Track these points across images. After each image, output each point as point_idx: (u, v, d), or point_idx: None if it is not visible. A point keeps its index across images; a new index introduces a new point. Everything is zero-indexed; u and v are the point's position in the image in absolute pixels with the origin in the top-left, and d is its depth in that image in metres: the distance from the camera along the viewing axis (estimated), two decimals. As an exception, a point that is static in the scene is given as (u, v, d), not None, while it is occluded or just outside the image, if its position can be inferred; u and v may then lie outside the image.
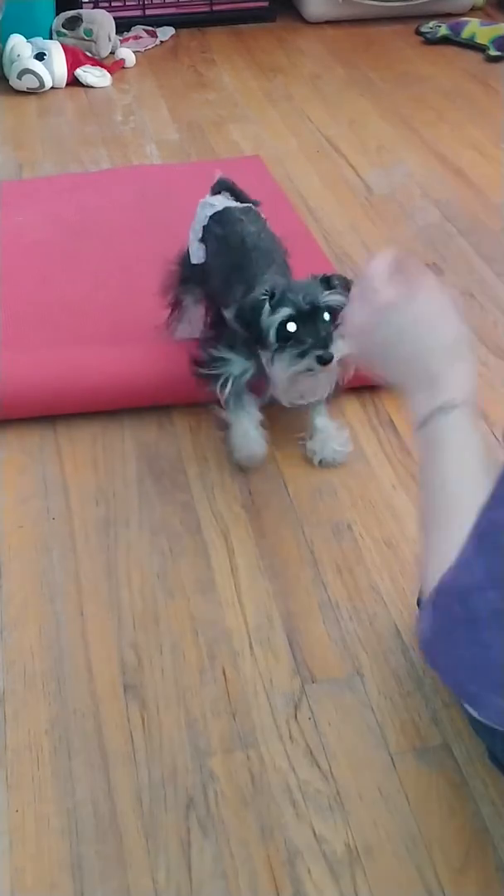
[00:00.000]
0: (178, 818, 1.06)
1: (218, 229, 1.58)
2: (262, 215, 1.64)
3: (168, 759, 1.12)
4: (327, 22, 3.21)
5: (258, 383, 1.50)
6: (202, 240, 1.60)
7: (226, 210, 1.60)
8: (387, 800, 1.08)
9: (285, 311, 1.39)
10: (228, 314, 1.49)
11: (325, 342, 1.38)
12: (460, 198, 2.22)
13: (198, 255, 1.61)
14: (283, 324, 1.39)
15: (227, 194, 1.66)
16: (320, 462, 1.52)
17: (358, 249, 2.04)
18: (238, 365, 1.48)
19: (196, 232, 1.61)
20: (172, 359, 1.59)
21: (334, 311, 1.40)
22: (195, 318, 1.67)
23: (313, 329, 1.39)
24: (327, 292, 1.40)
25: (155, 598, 1.31)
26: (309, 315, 1.39)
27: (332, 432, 1.53)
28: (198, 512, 1.44)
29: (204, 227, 1.60)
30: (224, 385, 1.48)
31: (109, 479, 1.49)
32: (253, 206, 1.64)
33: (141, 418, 1.60)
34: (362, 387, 1.62)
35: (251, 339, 1.43)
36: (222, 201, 1.63)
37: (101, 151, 2.46)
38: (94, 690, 1.19)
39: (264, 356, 1.44)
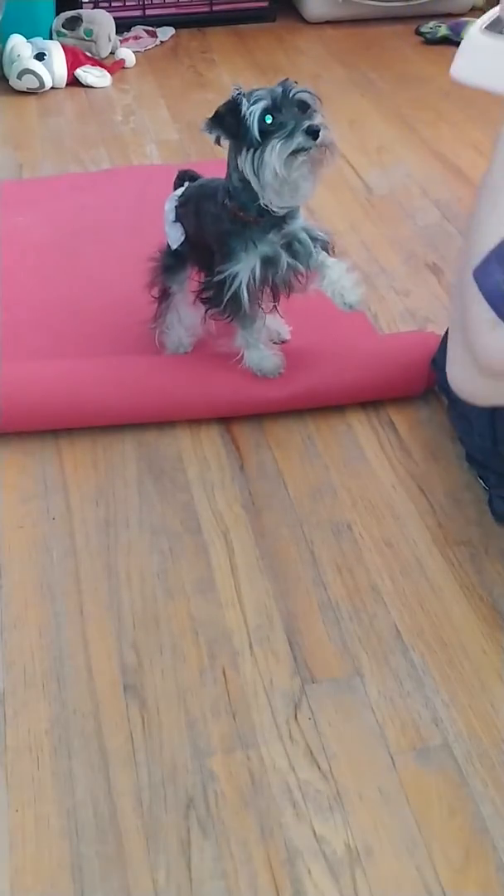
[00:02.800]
0: (178, 818, 1.06)
1: (189, 204, 1.62)
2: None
3: (168, 759, 1.12)
4: (327, 22, 3.21)
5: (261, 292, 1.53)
6: (177, 220, 1.63)
7: (187, 188, 1.65)
8: (387, 800, 1.08)
9: (262, 103, 1.41)
10: (214, 243, 1.54)
11: (308, 120, 1.41)
12: (460, 198, 2.22)
13: (176, 237, 1.64)
14: (262, 116, 1.41)
15: (188, 183, 1.69)
16: (342, 304, 1.51)
17: (358, 249, 2.04)
18: (244, 267, 1.50)
19: (169, 219, 1.64)
20: (176, 372, 1.62)
21: (305, 104, 1.43)
22: (184, 310, 1.68)
23: (292, 114, 1.41)
24: (295, 87, 1.42)
25: (155, 598, 1.31)
26: (284, 104, 1.41)
27: (339, 272, 1.53)
28: (198, 512, 1.44)
29: (176, 209, 1.63)
30: (237, 295, 1.50)
31: (109, 479, 1.49)
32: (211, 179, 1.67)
33: (141, 418, 1.60)
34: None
35: (235, 143, 1.45)
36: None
37: (101, 151, 2.46)
38: (94, 690, 1.19)
39: (253, 160, 1.44)
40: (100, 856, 1.03)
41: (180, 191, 1.66)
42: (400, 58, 3.00)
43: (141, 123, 2.60)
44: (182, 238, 1.63)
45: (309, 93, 1.44)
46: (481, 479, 1.45)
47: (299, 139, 1.41)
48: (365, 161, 2.39)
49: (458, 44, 3.01)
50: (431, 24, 3.11)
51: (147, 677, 1.21)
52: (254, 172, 1.44)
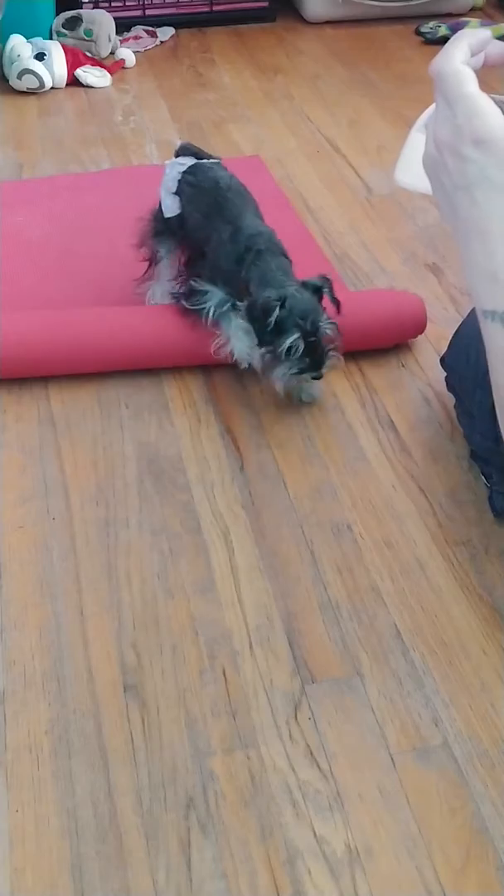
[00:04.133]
0: (178, 818, 1.06)
1: (191, 178, 1.71)
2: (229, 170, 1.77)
3: (168, 759, 1.12)
4: (327, 22, 3.21)
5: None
6: (176, 193, 1.70)
7: (197, 164, 1.73)
8: (387, 800, 1.08)
9: (294, 336, 1.53)
10: (210, 252, 1.65)
11: (320, 363, 1.56)
12: (460, 198, 2.21)
13: (172, 208, 1.71)
14: (290, 345, 1.54)
15: (192, 157, 1.75)
16: (300, 399, 1.64)
17: (358, 249, 2.04)
18: (217, 296, 1.61)
19: (169, 187, 1.71)
20: (165, 321, 1.69)
21: (327, 336, 1.56)
22: (170, 276, 1.77)
23: (313, 350, 1.54)
24: (326, 320, 1.56)
25: (155, 598, 1.31)
26: (310, 338, 1.54)
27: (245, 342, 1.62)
28: (198, 512, 1.44)
29: (178, 181, 1.69)
30: (208, 315, 1.61)
31: (109, 479, 1.49)
32: (220, 161, 1.77)
33: (141, 418, 1.60)
34: (362, 386, 1.64)
35: (257, 332, 1.56)
36: (191, 160, 1.74)
37: (101, 151, 2.46)
38: (94, 690, 1.19)
39: (263, 352, 1.57)
40: (100, 856, 1.03)
41: (185, 164, 1.71)
42: (400, 58, 3.00)
43: (141, 123, 2.60)
44: (178, 211, 1.70)
45: (333, 323, 1.56)
46: (484, 475, 1.46)
47: (304, 377, 1.57)
48: (365, 161, 2.39)
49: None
50: (431, 24, 3.11)
51: (147, 677, 1.21)
52: (266, 362, 1.58)
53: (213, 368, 1.70)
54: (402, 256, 2.02)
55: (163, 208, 1.72)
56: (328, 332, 1.56)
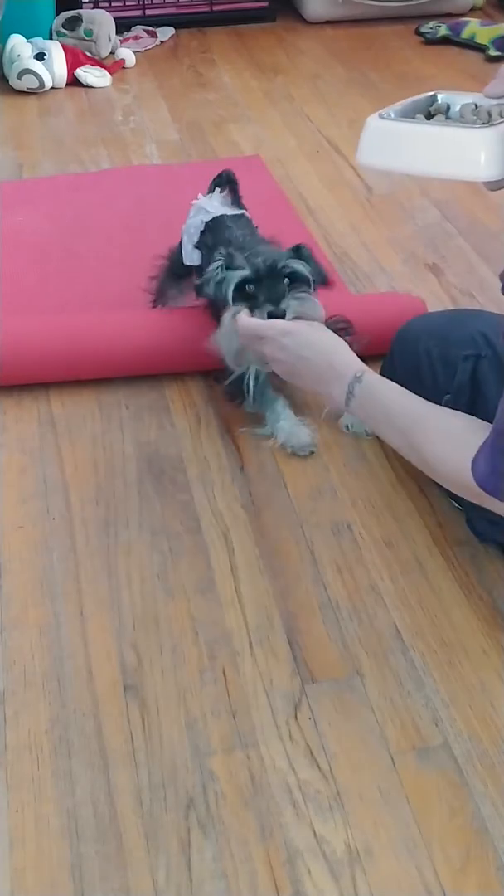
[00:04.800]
0: (178, 818, 1.06)
1: (209, 238, 1.63)
2: (253, 223, 1.69)
3: (168, 759, 1.12)
4: (327, 22, 3.21)
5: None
6: (197, 246, 1.64)
7: (217, 219, 1.64)
8: (387, 800, 1.08)
9: (242, 273, 1.45)
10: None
11: (278, 299, 1.44)
12: (460, 198, 2.22)
13: (192, 257, 1.65)
14: (240, 285, 1.45)
15: (227, 189, 1.70)
16: (294, 452, 1.53)
17: (358, 249, 2.04)
18: (250, 369, 1.53)
19: (192, 235, 1.65)
20: (169, 327, 1.68)
21: (296, 278, 1.46)
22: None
23: (270, 288, 1.45)
24: (291, 259, 1.46)
25: (155, 598, 1.31)
26: (267, 277, 1.45)
27: (290, 423, 1.55)
28: (198, 512, 1.44)
29: (201, 232, 1.63)
30: (248, 392, 1.54)
31: (109, 479, 1.49)
32: (245, 214, 1.69)
33: (141, 419, 1.60)
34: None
35: (216, 308, 1.49)
36: (216, 206, 1.66)
37: (101, 151, 2.46)
38: (94, 690, 1.19)
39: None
40: (100, 856, 1.03)
41: (211, 213, 1.63)
42: (400, 58, 3.00)
43: (141, 123, 2.60)
44: (198, 262, 1.64)
45: (304, 264, 1.46)
46: (452, 499, 1.42)
47: (258, 314, 1.44)
48: (365, 161, 2.39)
49: (458, 44, 3.03)
50: (431, 24, 3.11)
51: (147, 677, 1.21)
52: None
53: (213, 369, 1.70)
54: (402, 256, 2.02)
55: (184, 254, 1.66)
56: (295, 270, 1.45)
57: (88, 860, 1.03)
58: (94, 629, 1.27)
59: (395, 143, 1.13)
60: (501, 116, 1.10)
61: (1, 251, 1.93)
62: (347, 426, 1.57)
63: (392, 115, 1.14)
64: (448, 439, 1.17)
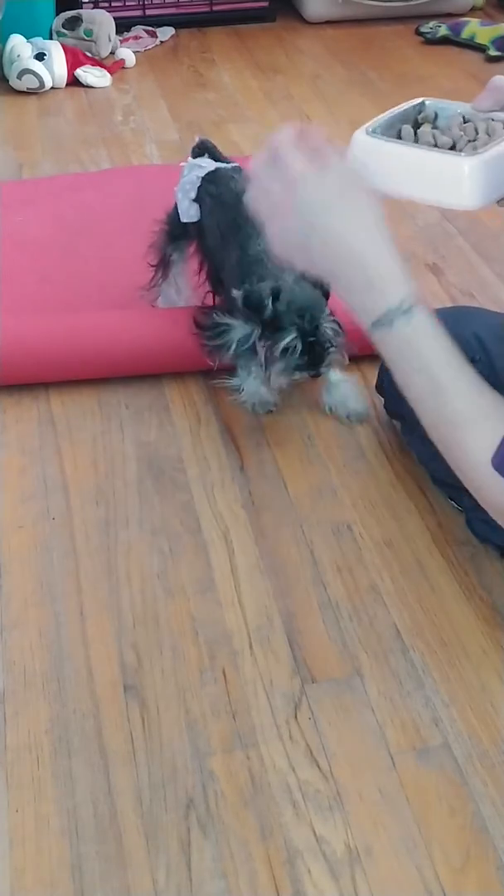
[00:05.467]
0: (178, 818, 1.06)
1: (213, 189, 1.65)
2: None
3: (168, 759, 1.12)
4: (327, 22, 3.20)
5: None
6: (196, 199, 1.66)
7: (218, 169, 1.67)
8: (387, 800, 1.08)
9: (291, 336, 1.48)
10: (225, 279, 1.59)
11: (319, 362, 1.51)
12: (460, 198, 2.21)
13: (189, 213, 1.66)
14: (286, 345, 1.49)
15: (208, 156, 1.71)
16: (347, 417, 1.59)
17: (358, 249, 2.03)
18: (240, 331, 1.55)
19: (187, 192, 1.66)
20: (168, 326, 1.69)
21: (329, 339, 1.51)
22: (182, 281, 1.75)
23: (311, 349, 1.49)
24: (328, 317, 1.50)
25: (155, 598, 1.31)
26: (308, 336, 1.49)
27: (348, 388, 1.61)
28: (198, 512, 1.44)
29: (199, 187, 1.65)
30: (228, 349, 1.56)
31: (109, 479, 1.49)
32: (240, 166, 1.70)
33: (141, 418, 1.60)
34: (362, 386, 1.64)
35: (255, 320, 1.51)
36: (210, 162, 1.69)
37: (101, 151, 2.46)
38: (94, 690, 1.19)
39: (263, 344, 1.52)
40: (100, 856, 1.03)
41: (205, 167, 1.66)
42: (400, 58, 3.00)
43: (141, 123, 2.60)
44: (196, 218, 1.66)
45: (335, 323, 1.51)
46: (452, 500, 1.42)
47: (300, 375, 1.52)
48: (365, 161, 2.39)
49: (458, 44, 3.03)
50: (431, 24, 3.11)
51: (147, 677, 1.21)
52: (264, 359, 1.53)
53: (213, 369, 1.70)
54: (402, 256, 2.01)
55: (180, 212, 1.67)
56: (329, 331, 1.50)
57: (88, 860, 1.03)
58: (94, 629, 1.27)
59: (380, 164, 1.08)
60: (489, 134, 1.07)
61: (1, 251, 1.93)
62: (330, 408, 1.60)
63: (379, 132, 1.11)
64: (477, 421, 0.97)
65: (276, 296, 1.47)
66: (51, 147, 2.48)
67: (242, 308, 1.51)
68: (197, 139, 1.77)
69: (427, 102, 1.18)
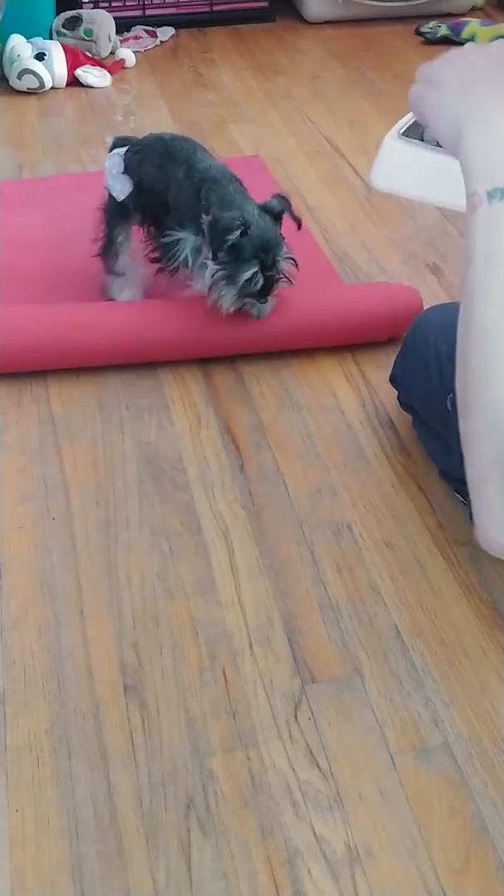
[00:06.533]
0: (178, 818, 1.06)
1: (137, 148, 1.76)
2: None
3: (168, 759, 1.12)
4: (327, 22, 3.21)
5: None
6: (125, 172, 1.74)
7: (143, 140, 1.80)
8: (387, 800, 1.08)
9: (253, 270, 1.59)
10: (171, 198, 1.68)
11: (268, 292, 1.63)
12: (460, 198, 2.21)
13: (124, 189, 1.74)
14: (249, 277, 1.59)
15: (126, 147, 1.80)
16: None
17: (358, 249, 2.04)
18: (190, 241, 1.65)
19: (114, 172, 1.75)
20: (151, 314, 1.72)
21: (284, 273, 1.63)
22: (134, 263, 1.80)
23: (266, 281, 1.61)
24: (285, 254, 1.62)
25: (155, 598, 1.31)
26: (267, 271, 1.60)
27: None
28: (198, 512, 1.44)
29: (125, 161, 1.74)
30: (186, 264, 1.66)
31: (109, 479, 1.49)
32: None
33: (141, 418, 1.60)
34: (362, 386, 1.64)
35: (213, 248, 1.60)
36: (124, 148, 1.79)
37: (101, 151, 2.44)
38: (94, 690, 1.19)
39: (217, 269, 1.61)
40: (100, 856, 1.03)
41: (122, 148, 1.76)
42: (400, 58, 3.00)
43: (141, 123, 2.60)
44: (129, 189, 1.73)
45: (291, 259, 1.63)
46: (459, 494, 1.43)
47: (249, 302, 1.63)
48: (365, 161, 2.39)
49: (458, 44, 3.03)
50: (431, 24, 3.11)
51: (147, 677, 1.21)
52: (211, 280, 1.62)
53: (212, 369, 1.70)
54: (401, 256, 2.02)
55: (114, 194, 1.75)
56: (284, 266, 1.61)
57: (88, 860, 1.03)
58: (94, 629, 1.27)
59: (411, 169, 1.06)
60: None
61: (1, 251, 1.93)
62: (256, 315, 1.69)
63: (408, 135, 1.09)
64: None
65: (245, 228, 1.58)
66: (51, 147, 2.48)
67: (207, 234, 1.59)
68: (109, 140, 1.86)
69: None
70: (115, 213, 1.78)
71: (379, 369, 1.70)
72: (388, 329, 1.75)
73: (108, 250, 1.79)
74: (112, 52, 2.94)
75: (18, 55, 2.73)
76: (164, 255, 1.70)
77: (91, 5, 3.04)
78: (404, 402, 1.57)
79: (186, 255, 1.66)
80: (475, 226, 0.79)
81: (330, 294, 1.82)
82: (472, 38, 3.01)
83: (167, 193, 1.70)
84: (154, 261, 1.73)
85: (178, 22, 3.16)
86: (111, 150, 1.80)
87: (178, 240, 1.66)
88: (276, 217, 1.64)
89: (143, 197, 1.74)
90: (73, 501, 1.45)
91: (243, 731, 1.15)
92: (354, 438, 1.57)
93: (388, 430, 1.58)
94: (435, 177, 1.06)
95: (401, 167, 1.08)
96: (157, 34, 3.10)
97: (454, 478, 1.43)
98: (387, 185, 1.10)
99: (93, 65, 2.83)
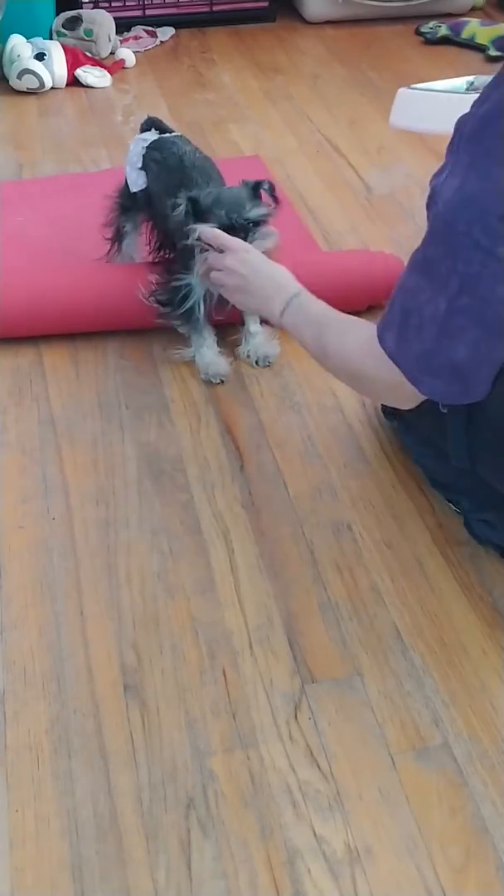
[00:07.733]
0: (178, 818, 1.07)
1: (156, 154, 1.74)
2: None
3: (168, 759, 1.12)
4: (327, 22, 3.21)
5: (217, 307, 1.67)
6: (142, 168, 1.74)
7: (161, 138, 1.77)
8: (387, 800, 1.08)
9: (214, 225, 1.53)
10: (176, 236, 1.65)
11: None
12: (460, 198, 2.21)
13: (137, 182, 1.74)
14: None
15: (156, 131, 1.80)
16: (256, 362, 1.70)
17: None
18: (199, 288, 1.63)
19: (134, 163, 1.75)
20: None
21: (258, 222, 1.57)
22: (135, 252, 1.86)
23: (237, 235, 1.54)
24: (252, 206, 1.56)
25: (155, 598, 1.31)
26: (233, 228, 1.54)
27: (262, 337, 1.71)
28: (198, 512, 1.44)
29: (143, 156, 1.73)
30: (192, 314, 1.65)
31: (109, 479, 1.49)
32: (184, 136, 1.81)
33: (141, 418, 1.60)
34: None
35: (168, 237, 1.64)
36: (154, 135, 1.78)
37: (101, 151, 2.46)
38: (94, 690, 1.19)
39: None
40: (100, 856, 1.03)
41: (149, 139, 1.75)
42: (400, 58, 3.00)
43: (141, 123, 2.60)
44: (142, 185, 1.73)
45: (264, 206, 1.58)
46: (450, 502, 1.42)
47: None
48: (365, 161, 2.39)
49: (458, 44, 3.04)
50: (431, 24, 3.11)
51: (147, 677, 1.21)
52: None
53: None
54: (402, 256, 2.01)
55: (128, 183, 1.75)
56: (256, 219, 1.56)
57: (88, 860, 1.03)
58: (94, 629, 1.27)
59: (420, 109, 1.40)
60: None
61: (1, 251, 1.93)
62: (247, 354, 1.71)
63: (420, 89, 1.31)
64: (347, 332, 1.30)
65: (194, 200, 1.55)
66: (51, 147, 2.48)
67: (184, 217, 1.55)
68: (146, 117, 1.85)
69: (482, 78, 1.31)
70: (126, 200, 1.79)
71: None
72: (368, 296, 1.76)
73: (114, 236, 1.82)
74: (112, 52, 2.95)
75: (18, 55, 2.73)
76: (171, 300, 1.65)
77: (91, 5, 3.04)
78: (389, 411, 1.55)
79: (196, 303, 1.63)
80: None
81: (307, 259, 1.81)
82: (472, 38, 3.01)
83: (168, 220, 1.64)
84: (161, 304, 1.67)
85: (178, 22, 3.16)
86: (141, 132, 1.80)
87: (188, 284, 1.62)
88: (253, 189, 1.59)
89: (152, 208, 1.74)
90: (73, 501, 1.45)
91: (243, 731, 1.15)
92: (354, 438, 1.57)
93: (388, 431, 1.58)
94: (439, 112, 1.25)
95: (412, 108, 1.44)
96: (157, 34, 3.10)
97: (446, 486, 1.43)
98: (403, 123, 1.49)
99: (93, 65, 2.83)
